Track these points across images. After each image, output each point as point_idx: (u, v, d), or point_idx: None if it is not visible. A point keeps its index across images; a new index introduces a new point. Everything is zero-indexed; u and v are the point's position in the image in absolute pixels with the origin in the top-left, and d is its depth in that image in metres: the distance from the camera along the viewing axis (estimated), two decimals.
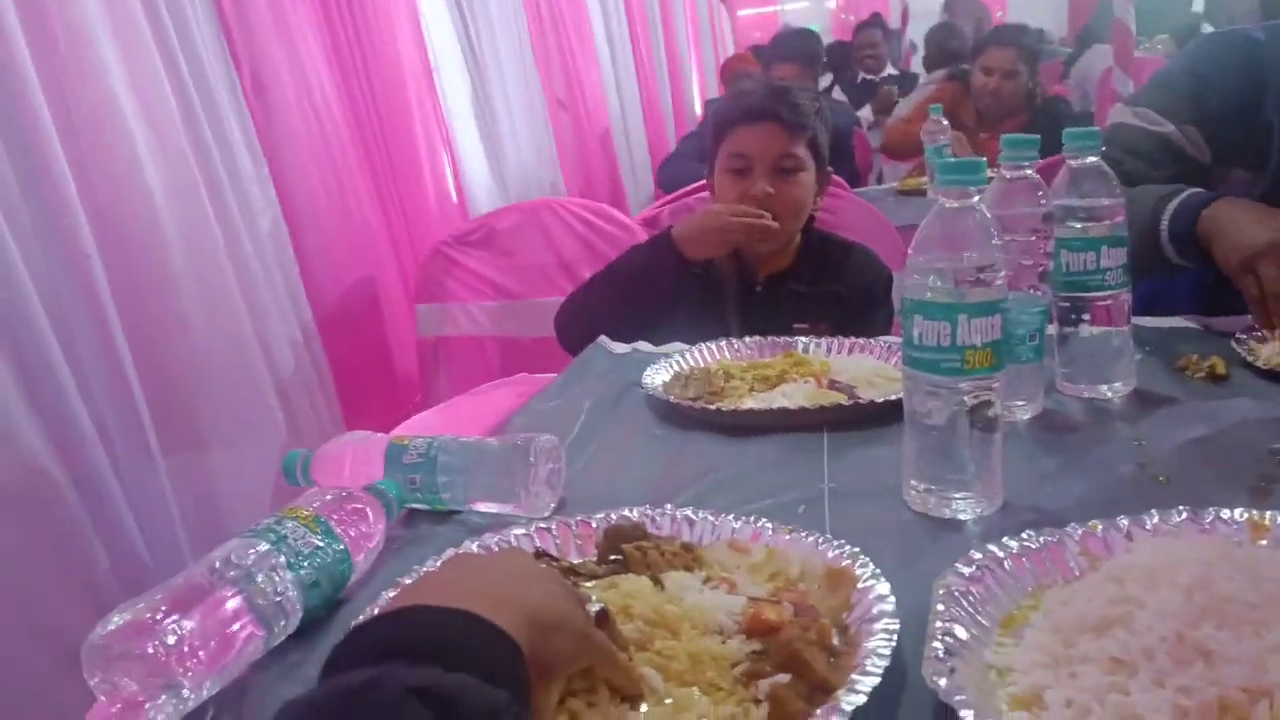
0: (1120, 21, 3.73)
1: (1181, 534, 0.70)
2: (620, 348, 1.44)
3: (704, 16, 7.04)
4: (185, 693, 0.62)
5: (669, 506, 0.83)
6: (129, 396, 1.36)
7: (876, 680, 0.56)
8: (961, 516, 0.82)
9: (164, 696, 0.62)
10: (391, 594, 0.71)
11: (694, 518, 0.82)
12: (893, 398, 1.02)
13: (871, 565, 0.70)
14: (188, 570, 0.69)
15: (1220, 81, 1.34)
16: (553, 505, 0.91)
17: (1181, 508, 0.72)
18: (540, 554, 0.77)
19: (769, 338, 1.34)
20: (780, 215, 1.54)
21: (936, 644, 0.58)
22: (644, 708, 0.58)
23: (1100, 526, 0.71)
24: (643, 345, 1.43)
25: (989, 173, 0.83)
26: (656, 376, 1.23)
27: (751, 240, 1.55)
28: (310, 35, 1.98)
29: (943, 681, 0.54)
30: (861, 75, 5.28)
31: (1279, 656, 0.52)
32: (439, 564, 0.75)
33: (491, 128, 2.80)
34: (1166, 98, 1.39)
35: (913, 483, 0.85)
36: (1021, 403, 1.03)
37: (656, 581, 0.70)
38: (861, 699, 0.55)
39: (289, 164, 1.86)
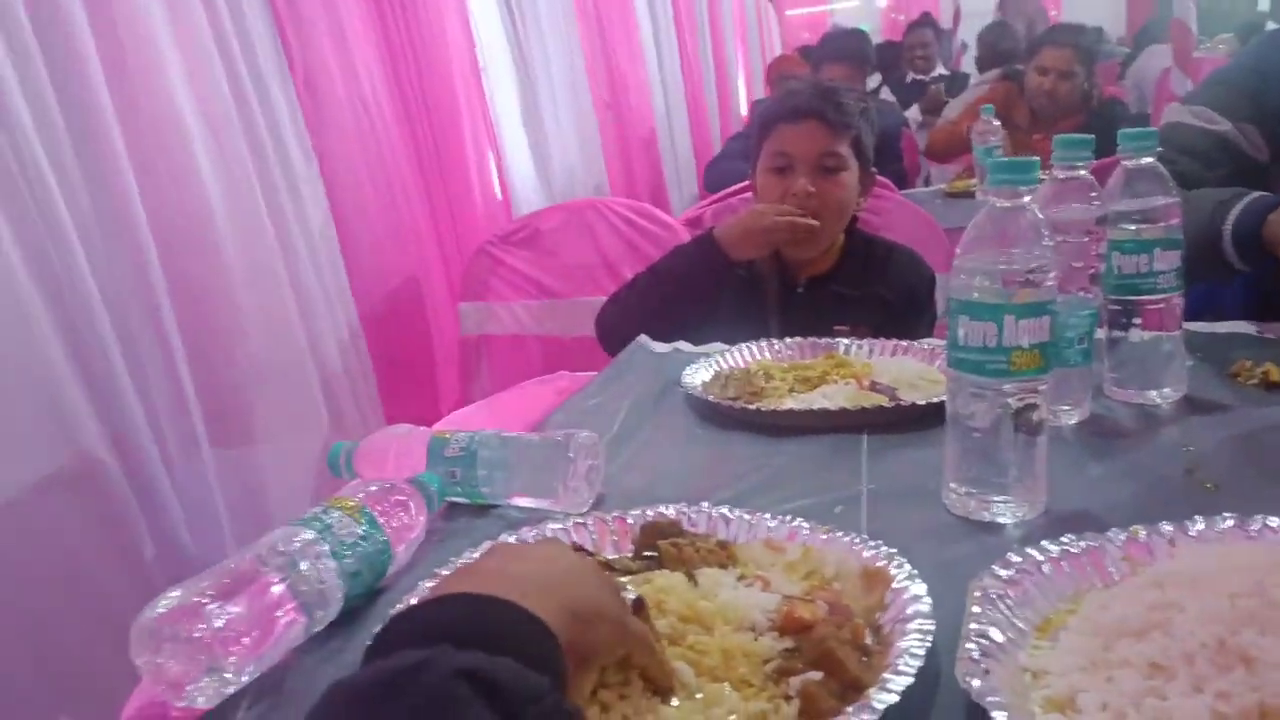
0: (1180, 21, 3.66)
1: (1227, 540, 0.68)
2: (661, 347, 1.44)
3: (751, 17, 7.00)
4: (227, 675, 0.64)
5: (705, 504, 0.83)
6: (180, 391, 1.40)
7: (909, 680, 0.56)
8: (1001, 520, 0.81)
9: (206, 679, 0.63)
10: (430, 584, 0.73)
11: (730, 516, 0.82)
12: (935, 401, 1.01)
13: (908, 566, 0.69)
14: (236, 556, 0.71)
15: None
16: (590, 501, 0.92)
17: (1228, 514, 0.70)
18: (577, 548, 0.77)
19: (810, 339, 1.33)
20: (822, 214, 1.53)
21: (971, 645, 0.57)
22: (675, 701, 0.58)
23: (1143, 532, 0.70)
24: (683, 345, 1.43)
25: (1040, 174, 0.82)
26: (696, 376, 1.23)
27: (795, 240, 1.54)
28: (362, 35, 2.01)
29: (976, 682, 0.54)
30: (911, 75, 5.22)
31: None
32: (478, 555, 0.76)
33: (538, 128, 2.82)
34: (1225, 95, 1.36)
35: (953, 485, 0.84)
36: (1068, 407, 1.02)
37: (690, 578, 0.70)
38: (893, 698, 0.55)
39: (339, 163, 1.90)
